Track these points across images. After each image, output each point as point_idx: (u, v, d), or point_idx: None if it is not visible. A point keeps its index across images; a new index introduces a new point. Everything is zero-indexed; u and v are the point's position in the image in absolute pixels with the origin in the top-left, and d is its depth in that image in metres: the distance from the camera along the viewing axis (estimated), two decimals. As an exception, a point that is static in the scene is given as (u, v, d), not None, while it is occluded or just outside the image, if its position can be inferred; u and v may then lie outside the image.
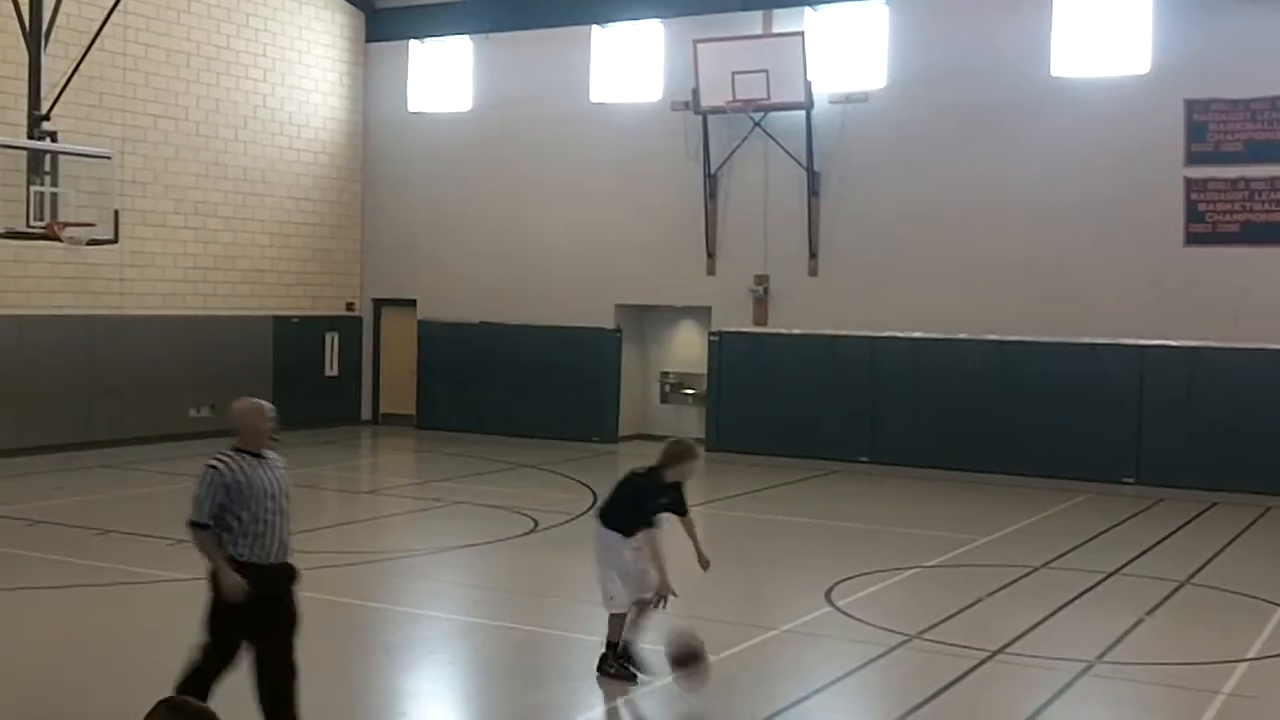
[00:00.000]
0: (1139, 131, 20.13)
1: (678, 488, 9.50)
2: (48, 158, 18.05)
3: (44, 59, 18.66)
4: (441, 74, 26.09)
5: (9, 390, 20.56)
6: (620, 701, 9.29)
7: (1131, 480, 19.69)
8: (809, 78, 21.69)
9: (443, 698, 9.73)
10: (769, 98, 21.79)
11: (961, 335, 21.18)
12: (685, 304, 23.86)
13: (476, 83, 25.59)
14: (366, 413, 26.84)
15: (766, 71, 21.68)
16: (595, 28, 24.39)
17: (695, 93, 22.47)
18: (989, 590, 12.80)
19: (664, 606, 9.36)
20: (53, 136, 18.35)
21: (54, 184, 17.94)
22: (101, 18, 19.70)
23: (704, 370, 23.71)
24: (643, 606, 9.38)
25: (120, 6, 19.96)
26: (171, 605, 11.34)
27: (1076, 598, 12.63)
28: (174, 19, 22.92)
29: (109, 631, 10.90)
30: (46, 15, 18.69)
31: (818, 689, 9.64)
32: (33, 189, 17.75)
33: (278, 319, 24.93)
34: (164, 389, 22.74)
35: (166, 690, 4.14)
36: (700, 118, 22.78)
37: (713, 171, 23.07)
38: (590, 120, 24.36)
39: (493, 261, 25.19)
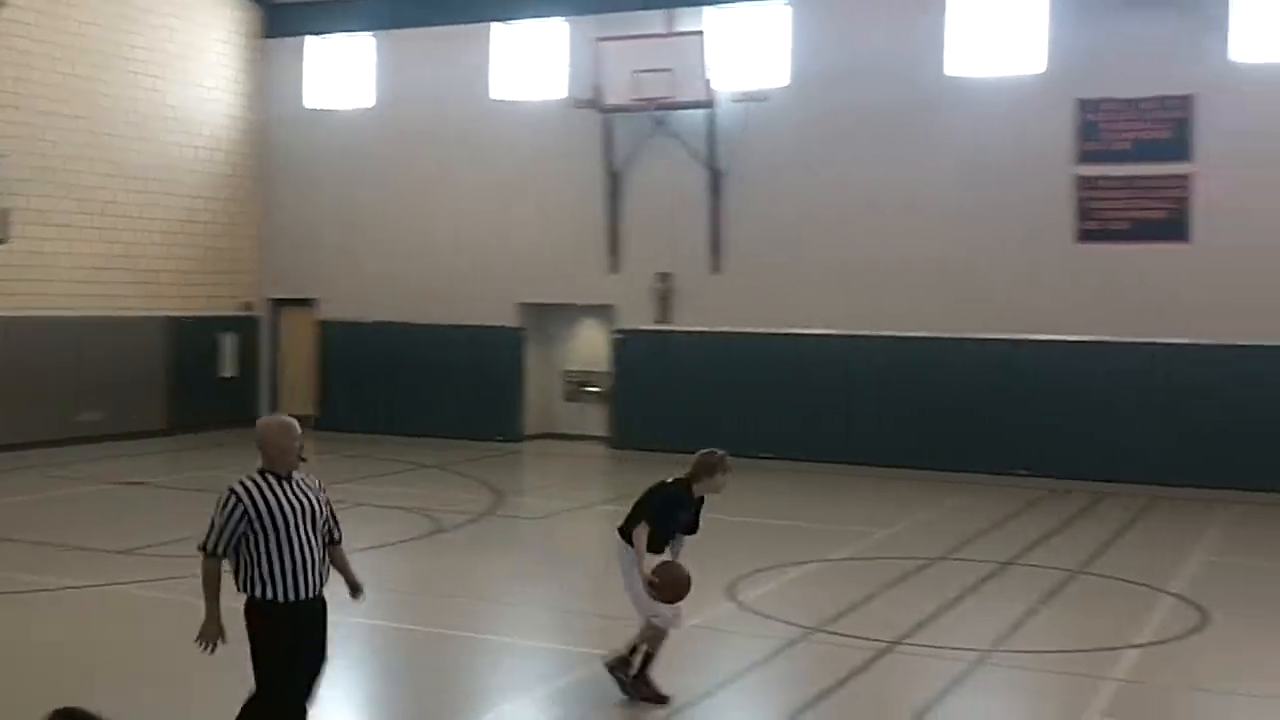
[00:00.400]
0: (1033, 130, 20.52)
1: (700, 504, 9.10)
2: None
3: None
4: (342, 70, 25.79)
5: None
6: (516, 704, 9.26)
7: (1027, 472, 20.04)
8: (710, 77, 21.79)
9: (342, 702, 9.61)
10: (671, 96, 21.86)
11: (863, 332, 21.43)
12: (589, 302, 23.85)
13: (378, 79, 25.35)
14: (265, 414, 26.37)
15: (669, 70, 21.75)
16: (496, 25, 24.28)
17: (598, 91, 22.47)
18: (889, 582, 12.98)
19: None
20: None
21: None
22: (-13, 12, 19.18)
23: (607, 368, 23.73)
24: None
25: (9, 1, 19.44)
26: (64, 615, 11.07)
27: (973, 588, 12.85)
28: (65, 14, 22.38)
29: (-3, 641, 10.60)
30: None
31: (719, 684, 9.69)
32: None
33: (173, 320, 24.46)
34: (54, 391, 22.20)
35: (55, 704, 4.02)
36: (603, 116, 22.79)
37: (616, 170, 23.09)
38: (492, 118, 24.26)
39: (395, 260, 24.98)
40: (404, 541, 14.94)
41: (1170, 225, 19.90)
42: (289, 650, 6.62)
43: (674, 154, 22.58)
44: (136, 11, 23.63)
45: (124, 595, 12.03)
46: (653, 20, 22.61)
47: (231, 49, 25.64)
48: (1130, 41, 19.95)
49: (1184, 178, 19.80)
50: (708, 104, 21.94)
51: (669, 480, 9.08)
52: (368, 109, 25.40)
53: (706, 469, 9.02)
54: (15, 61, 21.50)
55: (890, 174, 21.36)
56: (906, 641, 10.70)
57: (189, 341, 24.70)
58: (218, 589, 6.66)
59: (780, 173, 22.04)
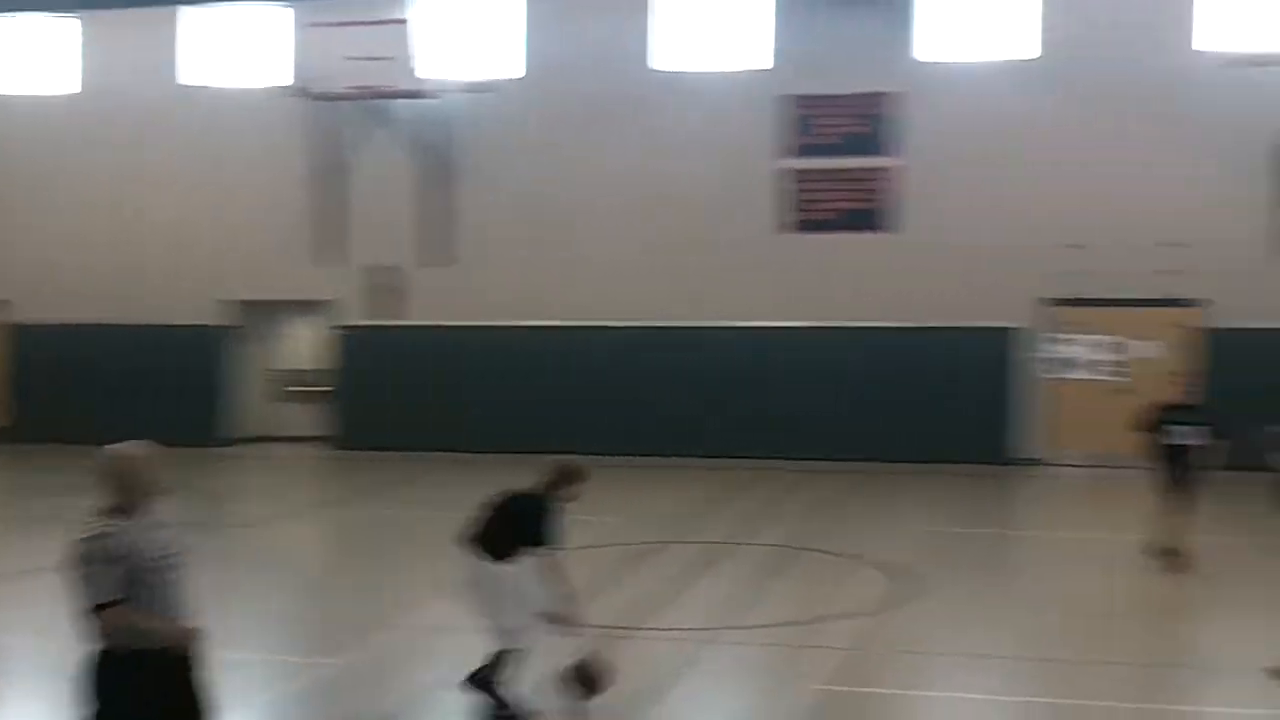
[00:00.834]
0: (748, 123, 21.04)
1: (559, 513, 8.48)
2: None
3: None
4: (31, 55, 24.01)
5: None
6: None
7: (737, 455, 20.51)
8: (431, 66, 21.41)
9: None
10: (388, 85, 21.38)
11: (592, 322, 21.47)
12: (305, 298, 23.05)
13: (72, 65, 23.76)
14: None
15: (387, 59, 21.20)
16: (190, 8, 22.92)
17: (307, 79, 21.72)
18: (613, 568, 12.97)
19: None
20: None
21: None
22: None
23: (326, 366, 22.99)
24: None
25: None
26: None
27: (694, 570, 12.99)
28: None
29: None
30: None
31: (440, 682, 9.43)
32: None
33: None
34: None
35: None
36: (315, 105, 22.04)
37: (332, 160, 22.38)
38: (192, 107, 23.01)
39: (92, 258, 23.51)
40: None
41: (875, 216, 20.77)
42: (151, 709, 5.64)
43: (398, 145, 22.09)
44: None
45: None
46: (369, 7, 21.91)
47: (-97, 30, 23.60)
48: (840, 38, 20.67)
49: (886, 171, 20.69)
50: (427, 94, 21.53)
51: (526, 489, 8.54)
52: (57, 97, 23.74)
53: (567, 477, 8.54)
54: None
55: (619, 166, 21.49)
56: (631, 626, 10.69)
57: None
58: (138, 614, 5.53)
59: (513, 164, 21.84)
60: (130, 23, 23.42)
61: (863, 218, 20.85)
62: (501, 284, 21.86)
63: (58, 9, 23.66)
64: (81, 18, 23.69)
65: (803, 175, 21.03)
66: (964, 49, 20.21)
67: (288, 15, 22.52)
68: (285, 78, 22.28)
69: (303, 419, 23.54)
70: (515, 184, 21.86)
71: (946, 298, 20.31)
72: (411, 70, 21.33)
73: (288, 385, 23.97)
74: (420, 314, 22.31)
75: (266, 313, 23.67)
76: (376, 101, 21.77)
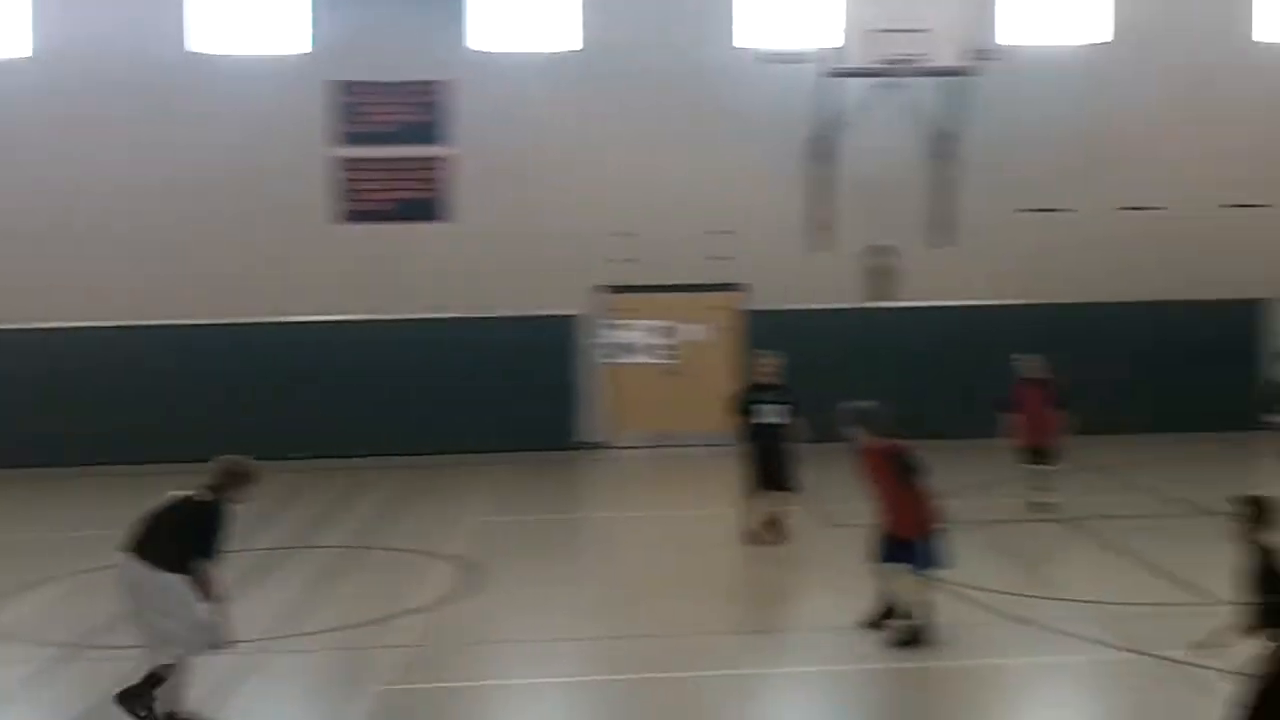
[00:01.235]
0: (297, 110, 20.15)
1: (227, 518, 7.96)
2: None
3: None
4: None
5: None
6: None
7: (301, 455, 19.65)
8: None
9: None
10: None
11: (122, 323, 19.87)
12: None
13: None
14: None
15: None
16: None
17: None
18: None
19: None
20: None
21: None
22: None
23: None
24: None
25: None
26: None
27: (250, 576, 12.20)
28: None
29: None
30: None
31: None
32: None
33: None
34: None
35: None
36: None
37: None
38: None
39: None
40: None
41: (429, 205, 20.50)
42: None
43: None
44: None
45: None
46: None
47: None
48: (388, 26, 20.17)
49: (440, 160, 20.45)
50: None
51: (193, 494, 8.02)
52: None
53: (238, 478, 8.09)
54: None
55: (149, 154, 19.98)
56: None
57: None
58: None
59: (29, 146, 19.87)
60: None
61: (418, 207, 20.50)
62: (25, 280, 19.89)
63: None
64: None
65: (354, 164, 20.43)
66: (514, 39, 20.25)
67: None
68: None
69: None
70: (34, 173, 19.93)
71: (506, 286, 20.30)
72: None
73: None
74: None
75: None
76: None
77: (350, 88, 20.36)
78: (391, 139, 20.45)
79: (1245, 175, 20.96)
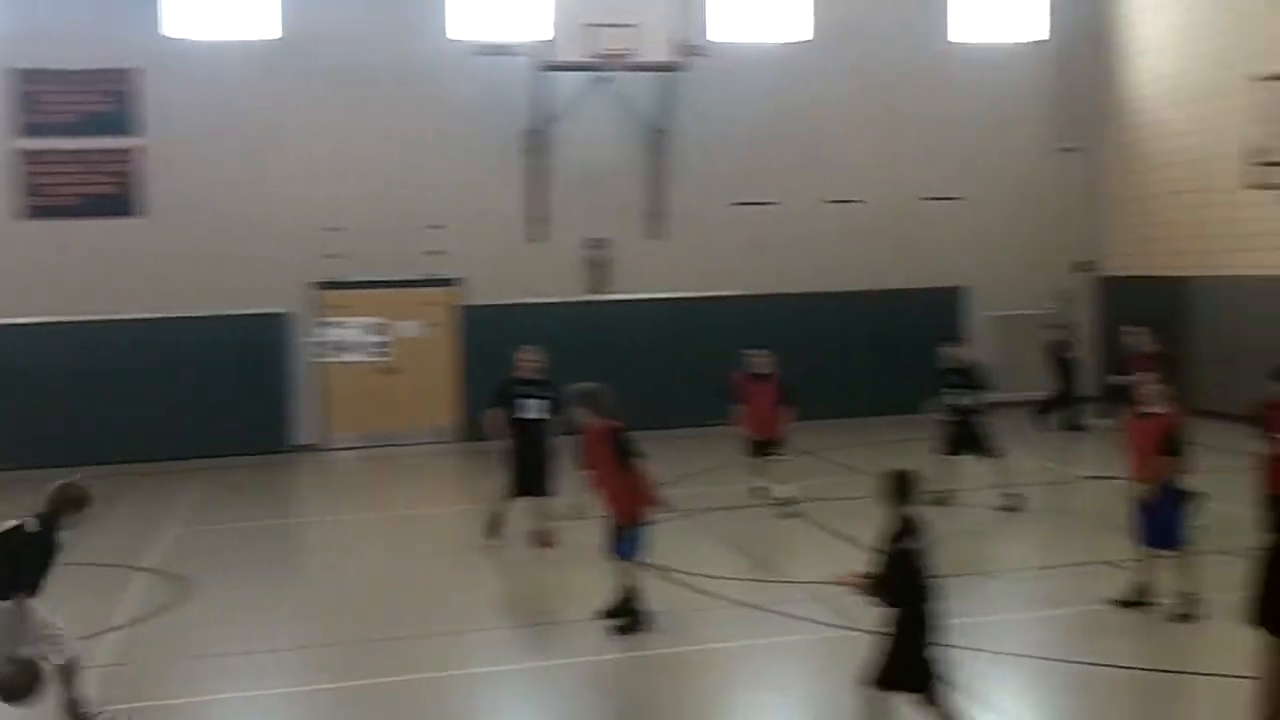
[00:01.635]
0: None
1: (60, 546, 7.78)
2: None
3: None
4: None
5: None
6: None
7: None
8: None
9: None
10: None
11: None
12: None
13: None
14: None
15: None
16: None
17: None
18: None
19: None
20: None
21: None
22: None
23: None
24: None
25: None
26: None
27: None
28: None
29: None
30: None
31: None
32: None
33: None
34: None
35: None
36: None
37: None
38: None
39: None
40: None
41: (120, 200, 19.31)
42: None
43: None
44: None
45: None
46: None
47: None
48: (73, 10, 18.91)
49: (131, 152, 19.29)
50: None
51: (26, 523, 7.74)
52: None
53: (74, 503, 7.85)
54: None
55: None
56: None
57: None
58: None
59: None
60: None
61: (108, 203, 19.28)
62: None
63: None
64: None
65: (36, 157, 19.04)
66: (211, 26, 19.34)
67: None
68: None
69: None
70: None
71: (213, 284, 19.34)
72: None
73: None
74: None
75: None
76: None
77: (31, 76, 18.99)
78: (77, 130, 19.17)
79: (942, 170, 22.06)
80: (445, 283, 20.35)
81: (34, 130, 19.01)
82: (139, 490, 17.04)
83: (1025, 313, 22.01)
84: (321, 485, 18.25)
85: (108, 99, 19.26)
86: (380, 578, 12.14)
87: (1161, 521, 9.71)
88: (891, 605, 6.76)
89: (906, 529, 6.77)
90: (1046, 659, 9.06)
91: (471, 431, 19.88)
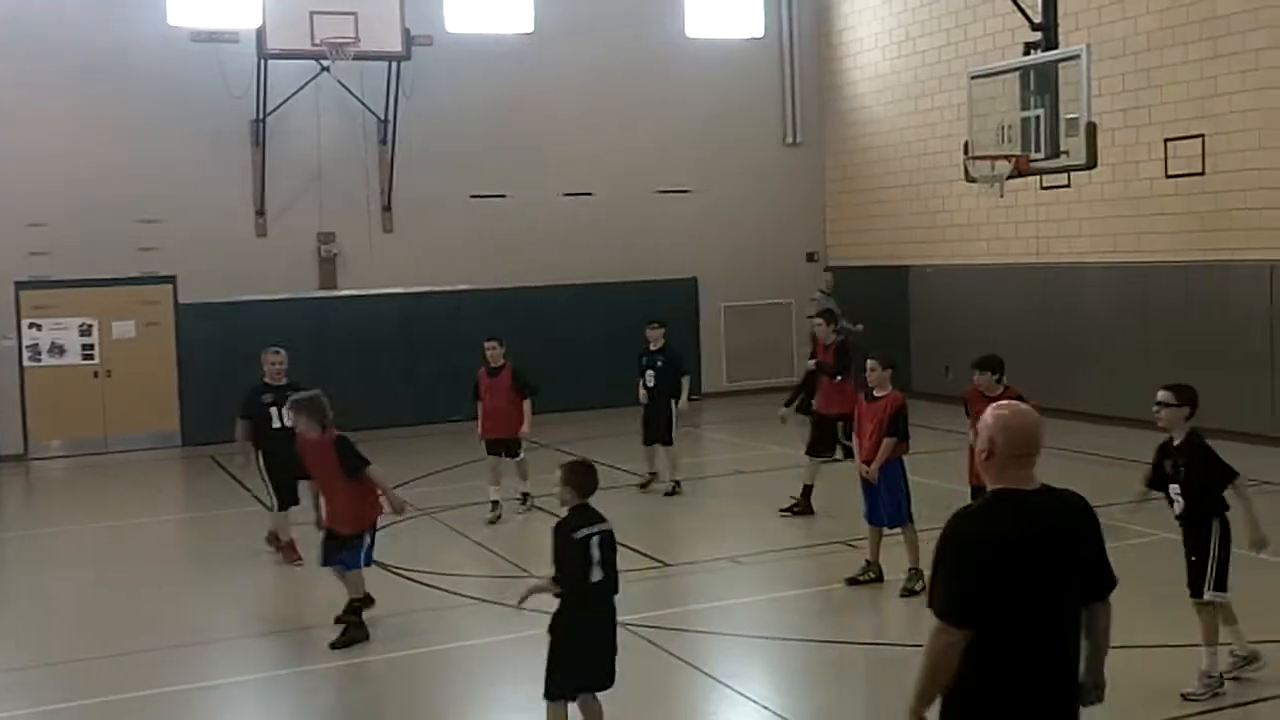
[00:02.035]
0: None
1: None
2: None
3: None
4: None
5: None
6: None
7: None
8: None
9: None
10: None
11: None
12: None
13: None
14: None
15: None
16: None
17: None
18: None
19: None
20: None
21: None
22: None
23: None
24: None
25: None
26: None
27: None
28: None
29: None
30: None
31: None
32: None
33: None
34: None
35: None
36: None
37: None
38: None
39: None
40: None
41: None
42: None
43: None
44: None
45: None
46: None
47: None
48: None
49: None
50: None
51: None
52: None
53: None
54: None
55: None
56: None
57: None
58: None
59: None
60: None
61: None
62: None
63: None
64: None
65: None
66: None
67: None
68: None
69: None
70: None
71: None
72: None
73: None
74: None
75: None
76: None
77: None
78: None
79: (676, 163, 22.24)
80: (165, 280, 19.28)
81: None
82: None
83: (760, 303, 22.50)
84: (25, 497, 16.98)
85: None
86: (91, 590, 11.29)
87: (888, 500, 9.95)
88: (560, 596, 6.66)
89: (579, 519, 6.64)
90: (788, 639, 9.11)
91: (192, 435, 18.95)
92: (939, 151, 20.23)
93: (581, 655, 6.66)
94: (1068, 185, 17.72)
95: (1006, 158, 15.11)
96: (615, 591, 6.72)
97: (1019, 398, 9.33)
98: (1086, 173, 15.66)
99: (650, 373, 14.32)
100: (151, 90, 19.07)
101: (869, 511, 10.14)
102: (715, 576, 10.80)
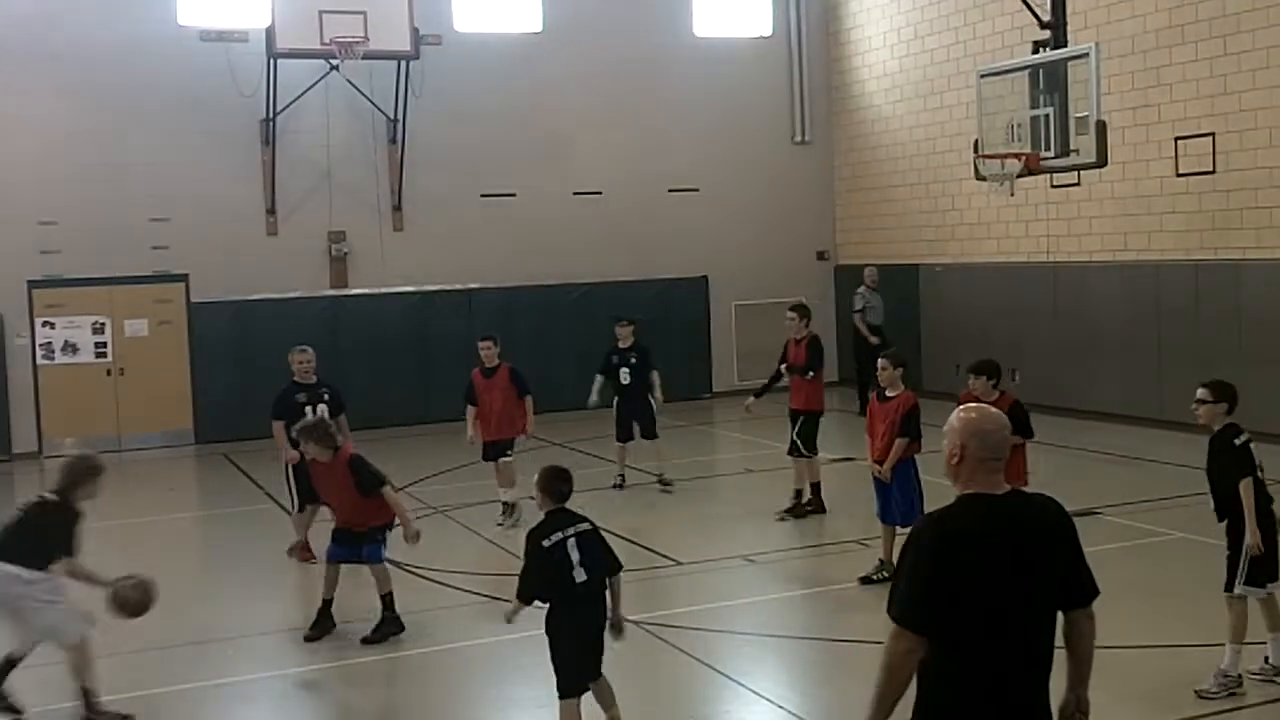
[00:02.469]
0: None
1: (78, 518, 7.89)
2: None
3: None
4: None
5: None
6: None
7: None
8: None
9: None
10: None
11: None
12: None
13: None
14: None
15: None
16: None
17: None
18: None
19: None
20: None
21: None
22: None
23: None
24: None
25: None
26: None
27: None
28: None
29: None
30: None
31: None
32: None
33: None
34: None
35: None
36: None
37: None
38: None
39: None
40: None
41: None
42: None
43: None
44: None
45: None
46: None
47: None
48: None
49: None
50: None
51: (46, 496, 7.96)
52: None
53: (86, 475, 7.94)
54: None
55: None
56: None
57: None
58: None
59: None
60: None
61: None
62: None
63: None
64: None
65: None
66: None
67: None
68: None
69: None
70: None
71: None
72: None
73: None
74: None
75: None
76: None
77: None
78: None
79: (685, 162, 22.25)
80: (177, 279, 19.35)
81: None
82: None
83: (771, 301, 22.50)
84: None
85: None
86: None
87: (901, 499, 9.98)
88: (527, 602, 6.75)
89: (551, 525, 6.71)
90: (801, 638, 9.14)
91: (205, 433, 19.03)
92: (948, 150, 20.23)
93: (582, 654, 6.74)
94: (1078, 184, 17.73)
95: (1016, 156, 15.13)
96: (615, 572, 6.80)
97: (1015, 403, 9.39)
98: (1097, 171, 15.66)
99: (625, 370, 14.33)
100: (161, 89, 19.14)
101: (882, 510, 10.17)
102: (729, 575, 10.85)
